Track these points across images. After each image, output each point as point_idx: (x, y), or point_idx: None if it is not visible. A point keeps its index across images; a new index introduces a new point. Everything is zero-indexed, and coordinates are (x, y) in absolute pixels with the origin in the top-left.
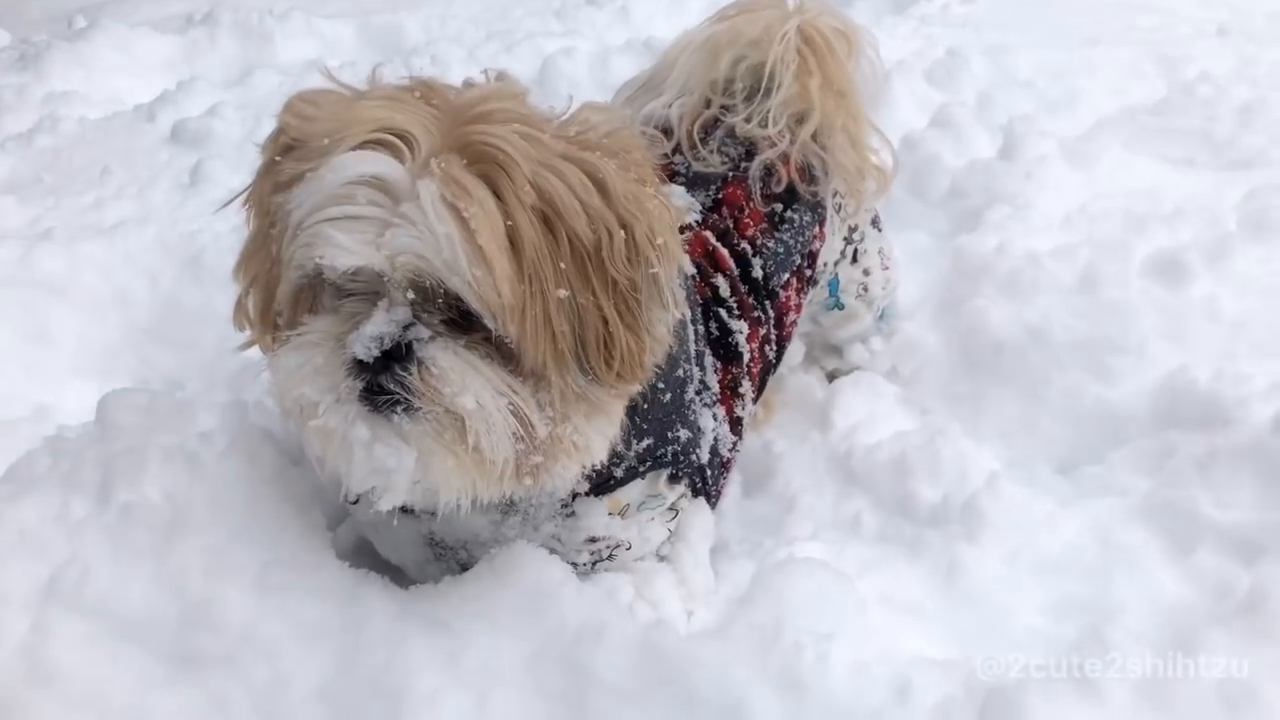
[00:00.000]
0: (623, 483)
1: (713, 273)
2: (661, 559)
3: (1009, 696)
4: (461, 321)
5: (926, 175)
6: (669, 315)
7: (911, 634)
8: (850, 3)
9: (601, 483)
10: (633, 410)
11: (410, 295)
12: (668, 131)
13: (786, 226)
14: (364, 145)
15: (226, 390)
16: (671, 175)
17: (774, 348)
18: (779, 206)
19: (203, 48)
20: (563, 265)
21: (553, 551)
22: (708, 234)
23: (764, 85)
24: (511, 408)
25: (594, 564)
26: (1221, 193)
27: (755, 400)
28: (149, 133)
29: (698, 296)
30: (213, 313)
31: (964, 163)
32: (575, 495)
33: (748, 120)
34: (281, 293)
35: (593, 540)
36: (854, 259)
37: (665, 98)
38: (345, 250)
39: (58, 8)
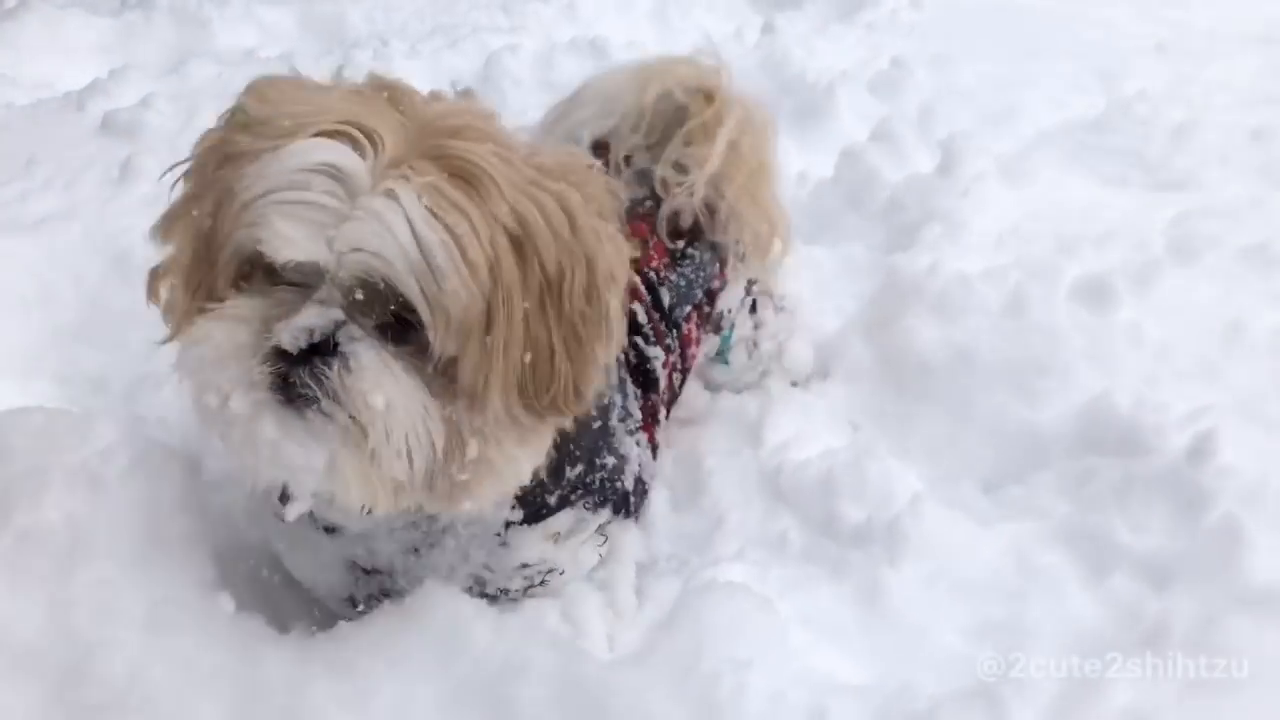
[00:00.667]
0: (555, 510)
1: (629, 299)
2: (593, 581)
3: None
4: (397, 331)
5: (865, 189)
6: (612, 348)
7: (831, 657)
8: (799, 7)
9: (534, 511)
10: (565, 438)
11: (352, 295)
12: None
13: (688, 262)
14: (326, 135)
15: (139, 398)
16: None
17: (680, 376)
18: (680, 243)
19: (138, 31)
20: (528, 289)
21: (480, 580)
22: None
23: (674, 130)
24: (438, 423)
25: (526, 589)
26: (1151, 215)
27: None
28: (78, 122)
29: None
30: (140, 313)
31: (903, 177)
32: (509, 524)
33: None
34: (221, 275)
35: (524, 566)
36: (753, 308)
37: (585, 113)
38: (289, 241)
39: None
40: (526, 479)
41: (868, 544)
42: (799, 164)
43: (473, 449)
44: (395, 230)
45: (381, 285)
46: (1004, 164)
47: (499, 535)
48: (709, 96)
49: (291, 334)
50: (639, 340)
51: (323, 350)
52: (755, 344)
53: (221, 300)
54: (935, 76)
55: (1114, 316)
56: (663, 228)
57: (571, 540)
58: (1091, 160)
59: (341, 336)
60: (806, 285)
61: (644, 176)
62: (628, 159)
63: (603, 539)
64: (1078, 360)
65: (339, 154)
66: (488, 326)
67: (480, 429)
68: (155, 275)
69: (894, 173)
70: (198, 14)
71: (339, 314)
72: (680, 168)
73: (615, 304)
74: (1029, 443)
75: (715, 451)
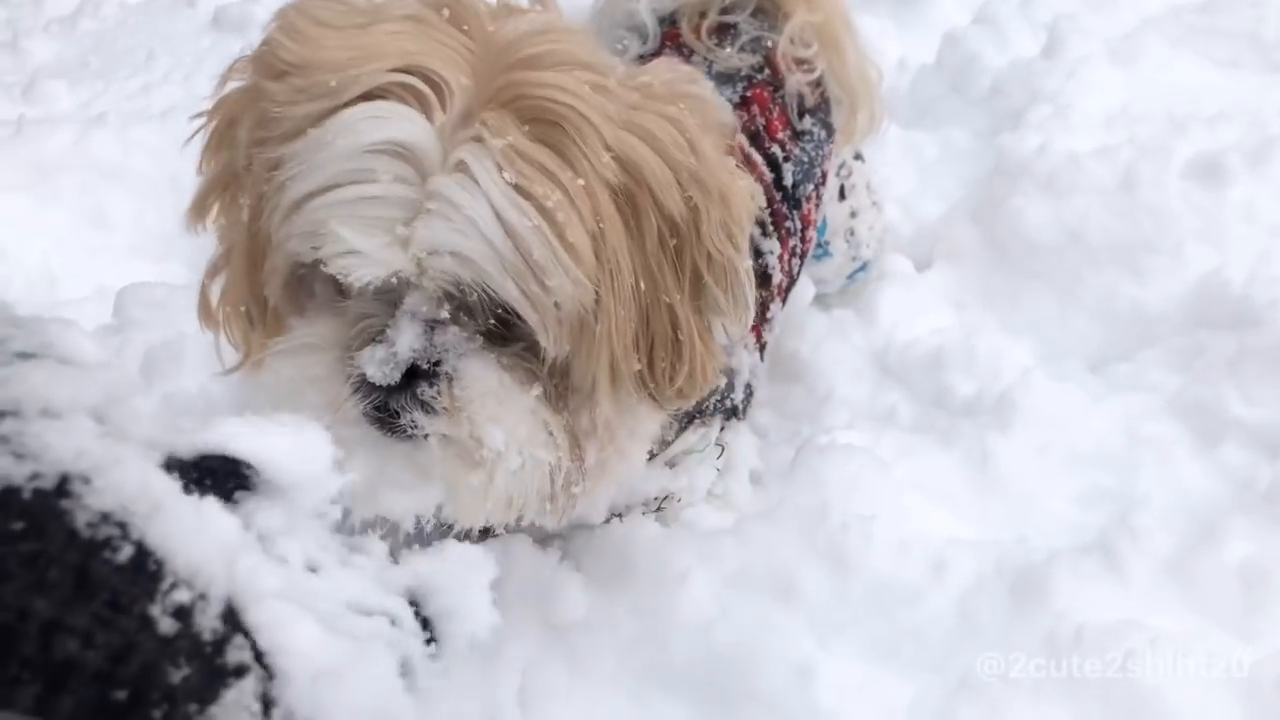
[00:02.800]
0: (672, 442)
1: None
2: (713, 496)
3: (1038, 574)
4: (502, 331)
5: (967, 73)
6: (745, 315)
7: (944, 518)
8: None
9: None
10: None
11: (446, 298)
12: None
13: (808, 138)
14: (380, 91)
15: None
16: None
17: (799, 262)
18: (803, 120)
19: None
20: (645, 255)
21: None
22: (742, 138)
23: (759, 3)
24: (561, 435)
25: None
26: (1265, 96)
27: None
28: (190, 18)
29: None
30: None
31: (1006, 61)
32: None
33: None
34: (270, 283)
35: (645, 502)
36: (841, 195)
37: None
38: (361, 258)
39: None
40: (640, 470)
41: (977, 414)
42: (898, 50)
43: (590, 454)
44: (478, 223)
45: (475, 291)
46: (1110, 46)
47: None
48: None
49: (380, 367)
50: (755, 232)
51: (423, 371)
52: (852, 231)
53: (281, 319)
54: None
55: (1227, 194)
56: (792, 105)
57: (689, 460)
58: (1201, 43)
59: (442, 352)
60: (908, 171)
61: (756, 44)
62: (723, 28)
63: (719, 450)
64: (1189, 238)
65: (403, 124)
66: (597, 313)
67: (594, 431)
68: (201, 298)
69: (997, 57)
70: None
71: (430, 330)
72: (803, 42)
73: (747, 261)
74: (1138, 320)
75: (819, 332)
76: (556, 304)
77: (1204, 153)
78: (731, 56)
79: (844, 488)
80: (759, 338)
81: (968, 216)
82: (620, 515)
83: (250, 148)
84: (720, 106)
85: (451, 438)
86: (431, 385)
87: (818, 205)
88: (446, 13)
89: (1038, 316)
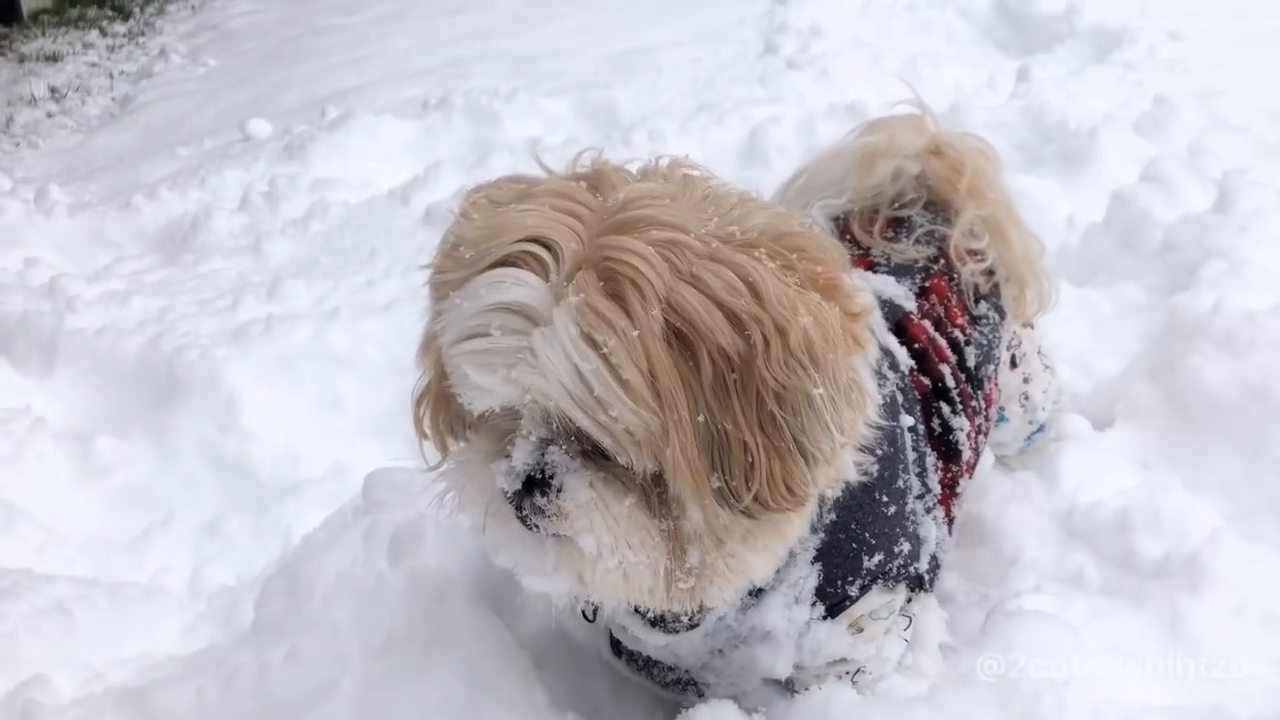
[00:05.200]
0: (856, 600)
1: (937, 361)
2: (902, 667)
3: None
4: (597, 450)
5: (1138, 230)
6: (834, 437)
7: (1137, 683)
8: (1051, 50)
9: (837, 603)
10: (862, 525)
11: (542, 429)
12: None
13: (984, 321)
14: (507, 260)
15: None
16: (871, 266)
17: (983, 439)
18: (978, 305)
19: (439, 130)
20: (702, 387)
21: (789, 681)
22: (926, 323)
23: (928, 197)
24: (654, 537)
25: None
26: None
27: None
28: (404, 215)
29: (916, 393)
30: None
31: (1177, 217)
32: (810, 622)
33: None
34: (454, 407)
35: (832, 664)
36: (1013, 363)
37: (811, 197)
38: (481, 391)
39: (309, 96)
40: (764, 576)
41: (1167, 576)
42: (1066, 209)
43: (692, 556)
44: (552, 367)
45: (560, 420)
46: None
47: (803, 635)
48: (936, 151)
49: (504, 479)
50: (944, 408)
51: (540, 482)
52: (1027, 396)
53: (462, 432)
54: (1203, 111)
55: None
56: (968, 292)
57: (875, 627)
58: None
59: (552, 468)
60: (1082, 329)
61: (930, 237)
62: (896, 222)
63: (907, 621)
64: None
65: (513, 288)
66: (666, 438)
67: (697, 536)
68: (418, 403)
69: (1167, 213)
70: (489, 110)
71: (540, 450)
72: (974, 235)
73: (829, 388)
74: None
75: (1002, 494)
76: (628, 430)
77: None
78: (907, 249)
79: (1035, 653)
80: (948, 511)
81: (1145, 374)
82: (804, 669)
83: (436, 302)
84: (820, 242)
85: (564, 537)
86: (544, 495)
87: (996, 385)
88: (584, 184)
89: (1224, 475)
